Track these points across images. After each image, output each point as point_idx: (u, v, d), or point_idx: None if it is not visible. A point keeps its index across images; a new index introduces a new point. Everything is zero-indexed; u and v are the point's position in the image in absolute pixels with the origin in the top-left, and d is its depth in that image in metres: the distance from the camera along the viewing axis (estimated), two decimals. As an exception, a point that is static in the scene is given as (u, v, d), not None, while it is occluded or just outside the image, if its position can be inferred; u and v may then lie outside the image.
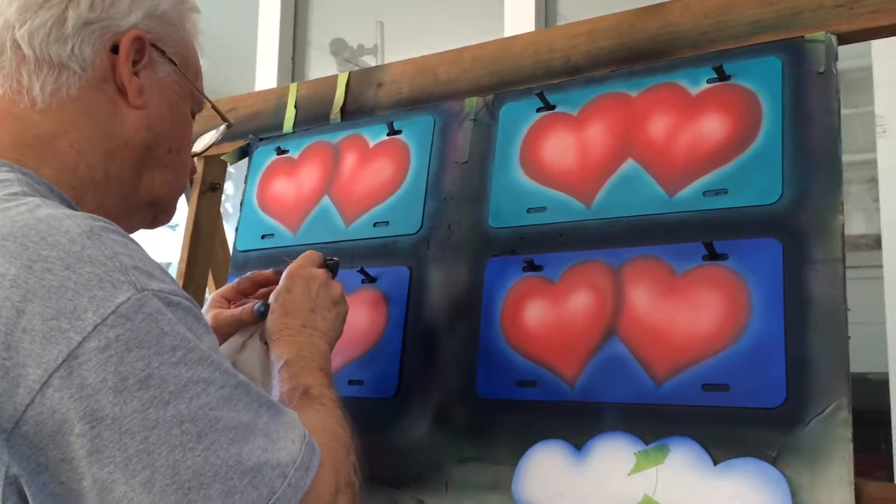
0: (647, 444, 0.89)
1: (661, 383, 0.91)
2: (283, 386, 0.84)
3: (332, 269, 1.03)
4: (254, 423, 0.65)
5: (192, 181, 1.55)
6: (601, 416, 0.93)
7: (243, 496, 0.61)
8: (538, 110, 1.12)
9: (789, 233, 0.89)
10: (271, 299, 0.96)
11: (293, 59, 2.88)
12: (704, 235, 0.92)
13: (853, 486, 0.78)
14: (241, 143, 1.45)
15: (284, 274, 0.98)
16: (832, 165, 0.89)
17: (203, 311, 1.04)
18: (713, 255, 0.92)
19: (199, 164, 1.53)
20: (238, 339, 1.00)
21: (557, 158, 1.08)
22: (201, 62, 0.94)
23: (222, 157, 1.47)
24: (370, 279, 1.17)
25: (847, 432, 0.80)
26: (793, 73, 0.94)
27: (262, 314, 0.96)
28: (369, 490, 1.06)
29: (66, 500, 0.59)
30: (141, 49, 0.81)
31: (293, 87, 1.41)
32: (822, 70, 0.92)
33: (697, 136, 0.98)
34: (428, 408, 1.06)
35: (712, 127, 0.97)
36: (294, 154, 1.36)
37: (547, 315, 1.01)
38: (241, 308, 1.00)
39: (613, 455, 0.91)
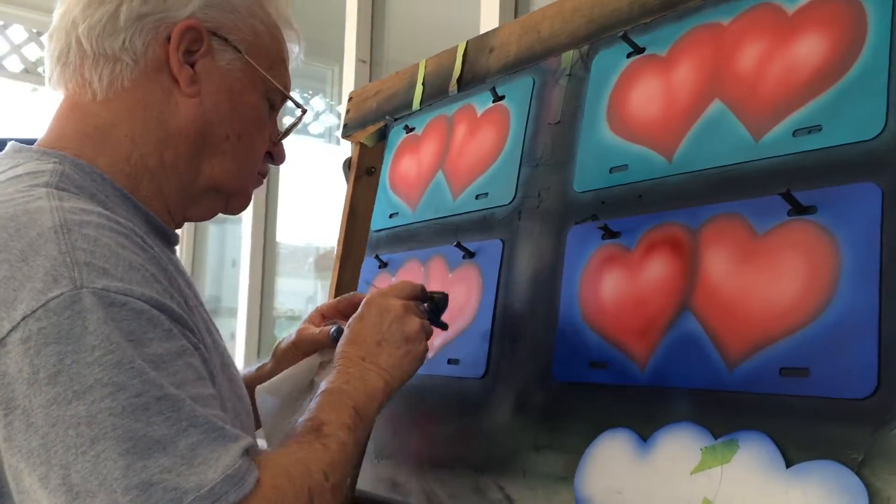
0: (715, 438, 0.75)
1: (735, 366, 0.75)
2: (305, 416, 0.79)
3: (438, 303, 0.95)
4: (169, 441, 0.60)
5: (348, 166, 1.59)
6: (670, 403, 0.80)
7: None
8: (629, 56, 0.98)
9: (892, 174, 0.69)
10: (347, 324, 0.92)
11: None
12: (791, 184, 0.75)
13: (959, 506, 0.59)
14: (381, 124, 1.46)
15: (363, 301, 0.92)
16: (953, 80, 0.67)
17: (301, 322, 1.04)
18: (798, 209, 0.74)
19: (353, 150, 1.58)
20: (316, 359, 0.97)
21: (642, 108, 0.94)
22: (292, 45, 0.92)
23: (362, 141, 1.50)
24: (469, 254, 1.12)
25: (954, 434, 0.60)
26: (906, -33, 0.72)
27: (335, 339, 0.92)
28: (456, 473, 1.02)
29: (1, 479, 0.62)
30: (198, 38, 0.81)
31: (422, 64, 1.40)
32: (941, -44, 0.69)
33: (791, 63, 0.79)
34: (510, 390, 0.99)
35: (807, 51, 0.78)
36: (419, 131, 1.34)
37: (620, 287, 0.89)
38: (321, 329, 0.98)
39: (679, 450, 0.77)
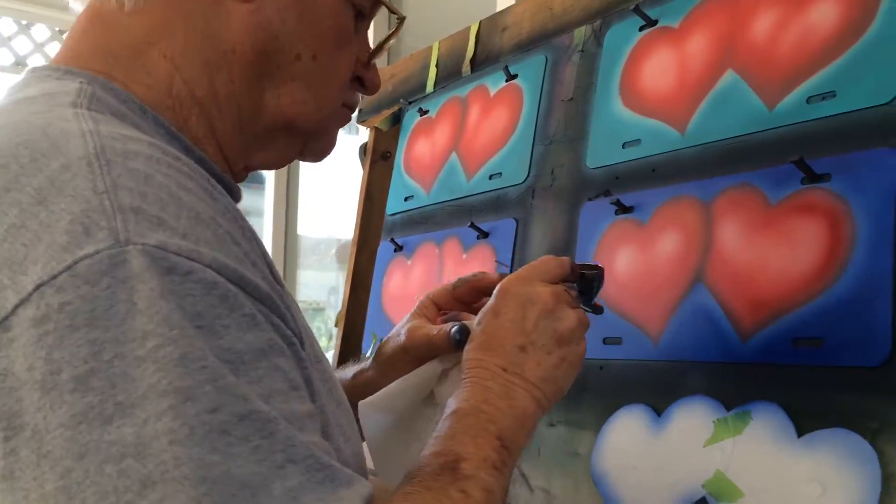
0: (728, 410, 0.74)
1: (748, 338, 0.74)
2: (432, 446, 0.58)
3: (591, 281, 0.73)
4: (260, 484, 0.41)
5: (363, 151, 1.59)
6: (684, 376, 0.79)
7: None
8: (641, 29, 0.97)
9: (908, 138, 0.67)
10: (475, 321, 0.70)
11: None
12: (805, 152, 0.73)
13: (977, 474, 0.58)
14: (396, 108, 1.46)
15: (496, 289, 0.69)
16: (969, 41, 0.65)
17: (407, 316, 0.80)
18: (812, 177, 0.73)
19: (369, 135, 1.58)
20: (437, 366, 0.75)
21: (655, 82, 0.93)
22: None
23: (377, 126, 1.50)
24: (483, 234, 1.12)
25: (971, 400, 0.59)
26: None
27: (459, 342, 0.70)
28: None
29: None
30: None
31: (435, 46, 1.39)
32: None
33: (804, 30, 0.78)
34: (524, 367, 0.99)
35: (821, 16, 0.77)
36: (433, 113, 1.34)
37: (634, 262, 0.88)
38: (438, 328, 0.74)
39: (692, 423, 0.77)
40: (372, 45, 0.72)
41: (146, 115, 0.57)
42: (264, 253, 0.53)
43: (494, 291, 0.69)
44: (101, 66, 0.59)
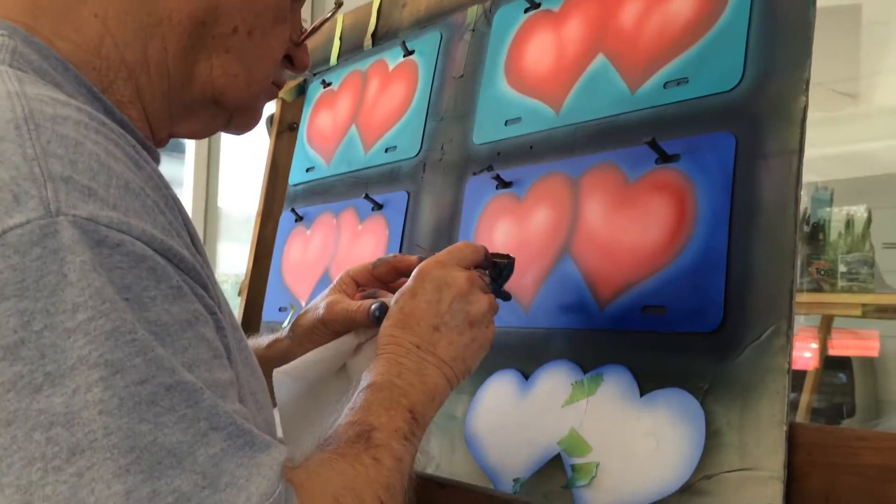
0: (584, 373, 0.80)
1: (605, 306, 0.80)
2: (347, 416, 0.62)
3: (502, 270, 0.77)
4: (186, 451, 0.43)
5: (270, 122, 1.60)
6: (549, 342, 0.85)
7: None
8: (526, 11, 1.01)
9: (745, 123, 0.73)
10: (393, 300, 0.73)
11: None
12: (659, 134, 0.79)
13: (785, 428, 0.64)
14: (301, 79, 1.47)
15: (415, 271, 0.72)
16: (801, 33, 0.71)
17: (326, 290, 0.82)
18: (665, 157, 0.78)
19: (276, 105, 1.58)
20: (352, 340, 0.77)
21: (535, 63, 0.97)
22: None
23: (282, 97, 1.51)
24: (377, 206, 1.15)
25: (784, 362, 0.65)
26: (766, -74, 0.76)
27: (378, 319, 0.73)
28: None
29: None
30: None
31: (339, 19, 1.41)
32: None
33: (665, 18, 0.83)
34: (409, 335, 1.03)
35: (680, 6, 0.82)
36: (335, 85, 1.36)
37: (511, 235, 0.93)
38: (358, 304, 0.76)
39: (554, 386, 0.82)
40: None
41: (67, 72, 0.56)
42: (186, 220, 0.54)
43: (413, 273, 0.72)
44: (25, 17, 0.57)
